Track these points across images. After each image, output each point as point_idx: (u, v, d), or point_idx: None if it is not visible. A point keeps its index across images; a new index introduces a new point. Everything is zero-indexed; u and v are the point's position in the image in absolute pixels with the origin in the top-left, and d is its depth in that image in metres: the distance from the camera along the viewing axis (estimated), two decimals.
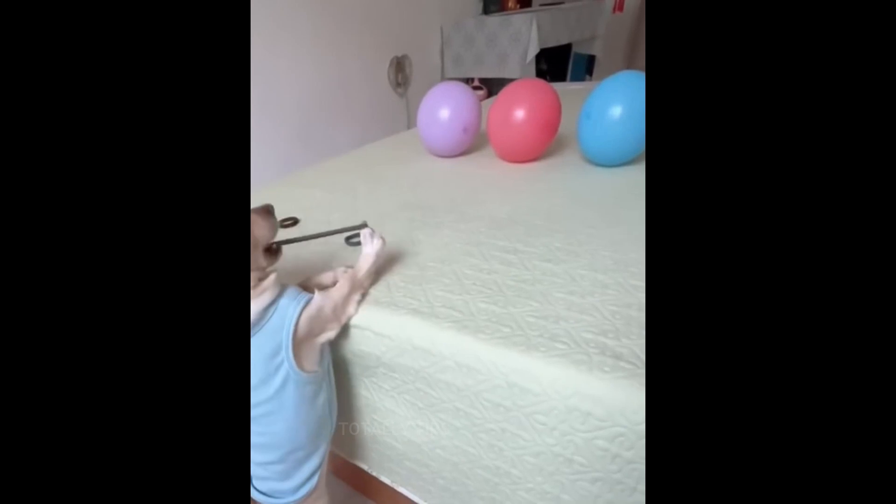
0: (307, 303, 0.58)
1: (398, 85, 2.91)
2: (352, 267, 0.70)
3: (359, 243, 0.93)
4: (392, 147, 1.54)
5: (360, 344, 0.69)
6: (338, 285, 0.65)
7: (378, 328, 0.66)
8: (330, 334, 0.63)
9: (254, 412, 0.58)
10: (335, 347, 0.73)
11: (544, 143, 1.12)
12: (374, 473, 0.87)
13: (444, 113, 1.19)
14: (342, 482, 1.07)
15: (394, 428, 0.75)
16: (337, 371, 0.77)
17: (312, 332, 0.59)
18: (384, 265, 0.77)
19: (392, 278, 0.74)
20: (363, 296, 0.69)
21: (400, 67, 2.88)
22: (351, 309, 0.66)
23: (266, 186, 1.28)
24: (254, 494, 0.65)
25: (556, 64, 3.20)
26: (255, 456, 0.62)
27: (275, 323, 0.56)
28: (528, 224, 0.85)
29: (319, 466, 0.66)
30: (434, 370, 0.62)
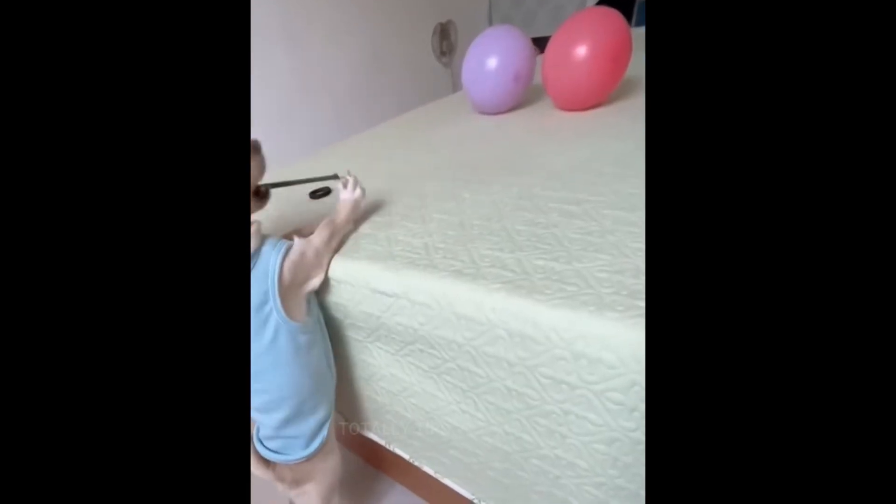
0: (288, 249, 0.60)
1: (443, 54, 2.82)
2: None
3: (322, 196, 0.94)
4: (434, 110, 1.47)
5: (394, 315, 0.63)
6: (317, 231, 0.66)
7: (414, 295, 0.59)
8: (314, 282, 0.64)
9: (253, 367, 0.60)
10: (367, 322, 0.68)
11: (611, 84, 0.98)
12: (417, 463, 0.81)
13: (493, 62, 1.10)
14: (353, 454, 1.06)
15: (435, 413, 0.69)
16: (368, 350, 0.73)
17: (297, 280, 0.61)
18: (424, 228, 0.70)
19: (430, 239, 0.67)
20: (341, 243, 0.70)
21: (444, 35, 2.79)
22: (331, 255, 0.67)
23: (298, 161, 1.26)
24: (266, 454, 0.68)
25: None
26: (264, 417, 0.65)
27: (259, 271, 0.57)
28: (594, 172, 0.74)
29: (326, 419, 0.69)
30: (481, 342, 0.55)
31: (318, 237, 0.65)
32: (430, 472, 0.79)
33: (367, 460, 1.03)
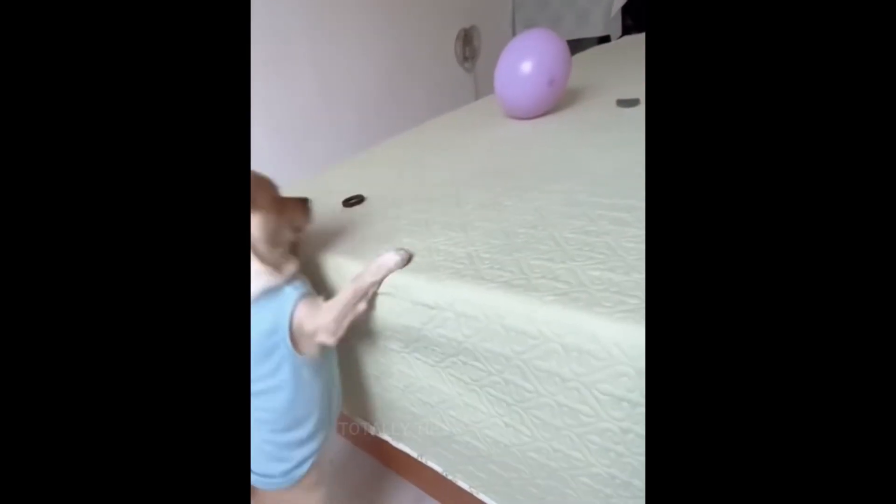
0: (304, 295, 0.62)
1: (465, 59, 2.82)
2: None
3: (356, 204, 0.93)
4: (463, 115, 1.46)
5: (437, 327, 0.62)
6: (340, 294, 0.64)
7: (460, 307, 0.58)
8: (323, 338, 0.62)
9: (255, 387, 0.61)
10: (406, 333, 0.67)
11: None
12: (450, 477, 0.79)
13: (527, 66, 1.08)
14: (368, 455, 1.05)
15: (475, 426, 0.67)
16: (406, 361, 0.72)
17: (304, 331, 0.61)
18: (466, 237, 0.70)
19: (473, 248, 0.66)
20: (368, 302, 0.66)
21: (468, 40, 2.79)
22: (349, 319, 0.64)
23: (328, 168, 1.26)
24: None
25: (643, 17, 2.93)
26: (253, 434, 0.65)
27: (279, 302, 0.60)
28: (641, 176, 0.72)
29: (313, 454, 0.68)
30: (532, 356, 0.53)
31: (339, 301, 0.63)
32: (465, 486, 0.78)
33: (387, 464, 1.01)
